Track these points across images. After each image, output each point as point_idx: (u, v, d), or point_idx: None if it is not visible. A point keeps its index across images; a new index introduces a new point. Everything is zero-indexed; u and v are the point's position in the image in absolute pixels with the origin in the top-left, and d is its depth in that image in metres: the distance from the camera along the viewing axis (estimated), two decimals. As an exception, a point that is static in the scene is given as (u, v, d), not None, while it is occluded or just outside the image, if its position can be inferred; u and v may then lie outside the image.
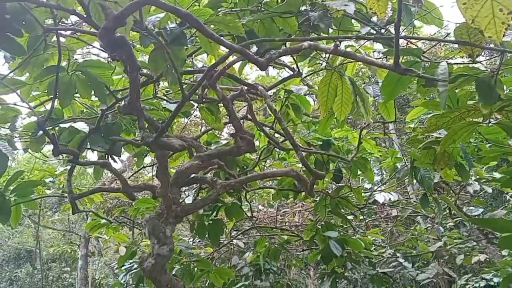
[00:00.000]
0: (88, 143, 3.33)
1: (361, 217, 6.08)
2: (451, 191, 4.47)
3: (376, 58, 2.75)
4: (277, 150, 4.41)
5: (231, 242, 7.40)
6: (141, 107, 2.43)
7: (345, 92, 2.29)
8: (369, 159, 3.87)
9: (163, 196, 2.61)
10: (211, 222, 4.43)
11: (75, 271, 20.13)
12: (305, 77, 3.87)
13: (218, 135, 4.70)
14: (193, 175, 3.03)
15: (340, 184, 4.18)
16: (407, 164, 3.67)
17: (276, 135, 4.01)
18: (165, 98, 3.76)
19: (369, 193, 5.12)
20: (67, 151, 2.55)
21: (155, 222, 2.60)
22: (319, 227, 4.75)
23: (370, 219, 5.97)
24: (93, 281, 14.30)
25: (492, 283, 6.42)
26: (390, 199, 5.21)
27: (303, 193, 4.65)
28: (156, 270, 2.56)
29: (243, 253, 7.75)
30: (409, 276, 5.79)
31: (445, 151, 2.08)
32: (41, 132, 3.29)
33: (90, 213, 5.28)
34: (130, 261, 7.46)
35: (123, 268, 7.27)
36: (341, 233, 4.60)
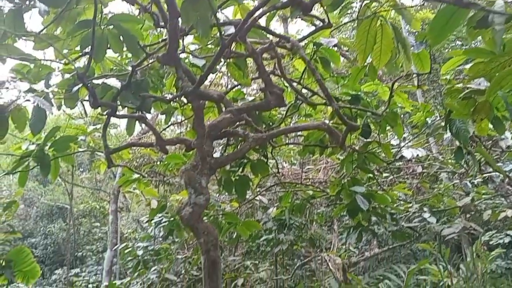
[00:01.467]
0: (119, 100, 3.39)
1: (387, 174, 6.10)
2: (482, 146, 4.39)
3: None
4: (304, 106, 4.39)
5: (256, 198, 7.59)
6: (179, 58, 2.44)
7: (385, 39, 2.23)
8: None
9: (198, 147, 2.67)
10: (237, 178, 4.53)
11: (104, 226, 21.14)
12: (334, 29, 3.76)
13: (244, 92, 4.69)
14: (224, 130, 3.07)
15: (368, 140, 4.16)
16: (440, 117, 3.60)
17: (304, 90, 3.96)
18: (192, 53, 3.74)
19: (396, 149, 5.08)
20: (106, 103, 2.61)
21: (191, 173, 2.68)
22: (345, 182, 4.79)
23: (396, 175, 5.97)
24: (121, 236, 15.02)
25: (517, 239, 6.45)
26: (417, 155, 5.18)
27: (329, 150, 4.67)
28: (194, 218, 2.67)
29: (266, 208, 7.96)
30: (434, 231, 5.85)
31: (487, 101, 2.02)
32: (75, 88, 3.37)
33: (119, 169, 5.47)
34: (159, 215, 7.78)
35: (152, 221, 7.62)
36: (367, 188, 4.63)
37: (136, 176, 5.04)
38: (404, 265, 5.86)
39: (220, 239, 9.38)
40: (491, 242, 6.64)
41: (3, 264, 5.68)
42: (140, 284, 7.67)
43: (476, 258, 5.60)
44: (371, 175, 4.96)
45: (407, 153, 4.69)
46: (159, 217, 7.43)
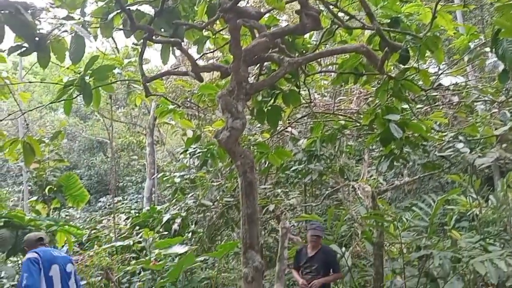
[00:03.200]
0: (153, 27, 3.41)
1: (421, 106, 5.94)
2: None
3: None
4: (339, 32, 4.24)
5: (286, 130, 7.68)
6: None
7: None
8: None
9: (234, 71, 2.70)
10: (269, 108, 4.57)
11: (141, 159, 22.21)
12: None
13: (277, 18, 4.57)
14: (258, 55, 3.06)
15: (405, 66, 4.03)
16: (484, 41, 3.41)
17: (339, 14, 3.81)
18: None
19: (434, 77, 4.90)
20: (143, 26, 2.64)
21: (227, 98, 2.75)
22: (379, 111, 4.74)
23: (432, 105, 5.82)
24: (158, 168, 15.87)
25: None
26: (456, 82, 5.00)
27: (363, 78, 4.58)
28: (231, 142, 2.78)
29: (297, 140, 8.07)
30: (467, 161, 5.79)
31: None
32: (111, 16, 3.40)
33: (153, 105, 5.63)
34: (194, 146, 8.07)
35: (187, 152, 7.94)
36: (402, 117, 4.57)
37: (171, 107, 5.19)
38: (434, 194, 5.91)
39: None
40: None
41: (55, 189, 6.25)
42: (178, 209, 8.21)
43: (507, 188, 5.56)
44: (405, 105, 4.87)
45: (446, 80, 4.53)
46: (194, 148, 7.74)
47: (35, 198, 6.13)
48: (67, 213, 16.66)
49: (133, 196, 19.68)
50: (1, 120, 4.00)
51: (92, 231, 7.92)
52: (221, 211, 7.98)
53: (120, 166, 24.04)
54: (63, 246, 5.69)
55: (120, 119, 23.68)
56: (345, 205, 7.26)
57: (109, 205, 17.72)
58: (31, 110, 4.03)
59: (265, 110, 4.54)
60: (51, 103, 4.26)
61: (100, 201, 18.52)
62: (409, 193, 9.26)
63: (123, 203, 17.11)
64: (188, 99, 5.25)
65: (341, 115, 5.76)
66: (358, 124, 5.80)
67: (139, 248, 6.58)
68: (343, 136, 6.15)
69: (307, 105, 6.19)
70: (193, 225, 8.82)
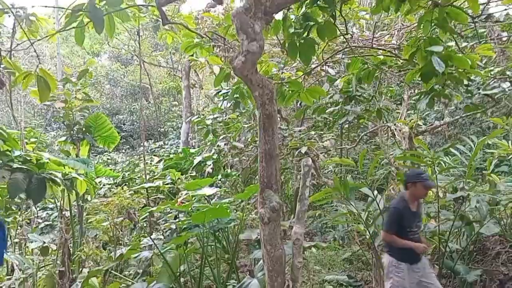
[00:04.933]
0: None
1: (465, 44, 5.37)
2: None
3: None
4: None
5: (322, 68, 7.27)
6: None
7: None
8: None
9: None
10: (302, 41, 4.24)
11: (181, 106, 22.49)
12: None
13: None
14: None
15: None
16: None
17: None
18: None
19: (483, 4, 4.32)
20: None
21: (243, 17, 2.49)
22: (421, 43, 4.29)
23: (480, 41, 5.21)
24: (196, 112, 15.99)
25: None
26: (508, 13, 4.40)
27: (406, 6, 4.11)
28: (247, 68, 2.57)
29: (334, 80, 7.66)
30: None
31: None
32: None
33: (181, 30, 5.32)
34: (227, 88, 7.89)
35: (220, 94, 7.79)
36: (446, 49, 4.11)
37: (197, 40, 4.96)
38: (475, 136, 5.47)
39: (287, 113, 9.44)
40: None
41: (84, 129, 6.27)
42: (211, 151, 8.24)
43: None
44: (451, 42, 4.37)
45: (496, 9, 3.95)
46: (227, 89, 7.57)
47: (63, 138, 6.17)
48: (108, 157, 17.44)
49: (173, 141, 20.20)
50: (11, 51, 3.90)
51: (127, 173, 8.15)
52: (256, 154, 7.92)
53: (161, 112, 24.54)
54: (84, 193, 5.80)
55: (161, 64, 23.81)
56: (382, 149, 6.96)
57: (151, 150, 18.32)
58: (41, 40, 3.85)
59: (297, 44, 4.24)
60: (59, 31, 4.13)
61: (142, 146, 19.14)
62: (449, 138, 8.78)
63: (163, 148, 17.64)
64: (216, 32, 4.96)
65: (380, 49, 5.29)
66: (399, 60, 5.35)
67: (169, 189, 6.67)
68: (383, 73, 5.72)
69: (344, 40, 5.76)
70: (229, 168, 8.89)
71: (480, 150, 5.27)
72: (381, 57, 5.44)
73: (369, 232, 5.17)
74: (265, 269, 2.64)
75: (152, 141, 21.13)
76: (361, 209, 5.60)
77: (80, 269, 5.53)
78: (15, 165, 4.16)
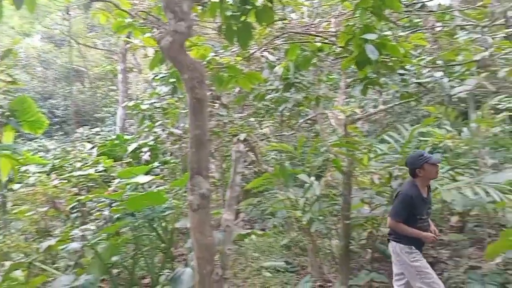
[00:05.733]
0: None
1: (404, 28, 5.57)
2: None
3: None
4: None
5: (262, 54, 7.21)
6: None
7: None
8: None
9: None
10: (240, 25, 4.14)
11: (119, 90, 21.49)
12: None
13: None
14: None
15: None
16: None
17: None
18: None
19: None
20: None
21: (169, -6, 2.33)
22: (357, 31, 4.36)
23: (414, 30, 5.43)
24: (134, 97, 15.35)
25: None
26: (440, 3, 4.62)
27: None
28: (174, 48, 2.42)
29: (273, 67, 7.64)
30: (445, 92, 5.57)
31: None
32: None
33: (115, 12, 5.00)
34: (165, 71, 7.58)
35: (157, 78, 7.48)
36: (380, 37, 4.21)
37: (129, 20, 4.67)
38: (409, 125, 5.75)
39: (228, 100, 9.33)
40: (499, 106, 6.38)
41: (8, 113, 5.70)
42: (147, 138, 7.92)
43: (481, 119, 5.43)
44: (387, 32, 4.48)
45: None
46: (165, 73, 7.27)
47: None
48: (40, 144, 16.24)
49: (111, 127, 19.24)
50: None
51: (57, 161, 7.61)
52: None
53: (97, 97, 23.26)
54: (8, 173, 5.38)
55: (97, 46, 22.50)
56: (321, 136, 7.09)
57: (86, 136, 17.32)
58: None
59: (235, 28, 4.12)
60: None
61: (76, 132, 18.05)
62: (387, 126, 9.15)
63: (100, 134, 16.72)
64: (150, 12, 4.69)
65: (317, 35, 5.32)
66: (335, 47, 5.43)
67: (101, 178, 6.31)
68: (321, 60, 5.78)
69: (283, 25, 5.73)
70: (169, 155, 8.62)
71: (414, 138, 5.51)
72: (319, 44, 5.50)
73: (306, 218, 5.26)
74: (194, 257, 2.55)
75: (88, 127, 20.00)
76: (300, 196, 5.69)
77: (2, 262, 5.09)
78: None
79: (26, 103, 6.16)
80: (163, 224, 4.83)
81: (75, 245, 4.34)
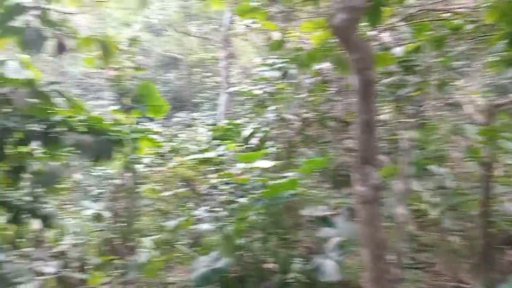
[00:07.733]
0: None
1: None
2: None
3: None
4: None
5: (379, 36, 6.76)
6: None
7: None
8: None
9: None
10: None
11: (215, 76, 22.16)
12: None
13: None
14: None
15: None
16: None
17: None
18: None
19: None
20: None
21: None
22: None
23: None
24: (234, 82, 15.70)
25: None
26: None
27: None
28: (349, 27, 2.25)
29: (388, 49, 7.15)
30: None
31: None
32: None
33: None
34: (273, 57, 7.54)
35: (267, 63, 7.47)
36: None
37: (254, 4, 4.62)
38: None
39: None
40: None
41: (136, 98, 6.07)
42: (257, 123, 7.96)
43: None
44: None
45: None
46: (275, 58, 7.22)
47: (115, 107, 6.00)
48: (143, 126, 17.39)
49: (208, 112, 19.97)
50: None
51: (169, 143, 7.99)
52: (300, 127, 7.61)
53: (193, 83, 24.28)
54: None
55: (194, 34, 23.43)
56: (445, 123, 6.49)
57: (188, 120, 18.19)
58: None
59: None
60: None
61: (176, 116, 19.06)
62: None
63: (198, 119, 17.44)
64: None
65: (454, 12, 4.80)
66: (474, 24, 4.84)
67: (219, 161, 6.49)
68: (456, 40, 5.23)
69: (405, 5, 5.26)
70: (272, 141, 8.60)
71: None
72: (456, 21, 4.95)
73: (437, 212, 4.85)
74: (365, 253, 2.41)
75: (186, 112, 20.99)
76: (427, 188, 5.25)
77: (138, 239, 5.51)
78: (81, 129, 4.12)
79: (150, 87, 6.54)
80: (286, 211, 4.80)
81: (207, 225, 4.49)
